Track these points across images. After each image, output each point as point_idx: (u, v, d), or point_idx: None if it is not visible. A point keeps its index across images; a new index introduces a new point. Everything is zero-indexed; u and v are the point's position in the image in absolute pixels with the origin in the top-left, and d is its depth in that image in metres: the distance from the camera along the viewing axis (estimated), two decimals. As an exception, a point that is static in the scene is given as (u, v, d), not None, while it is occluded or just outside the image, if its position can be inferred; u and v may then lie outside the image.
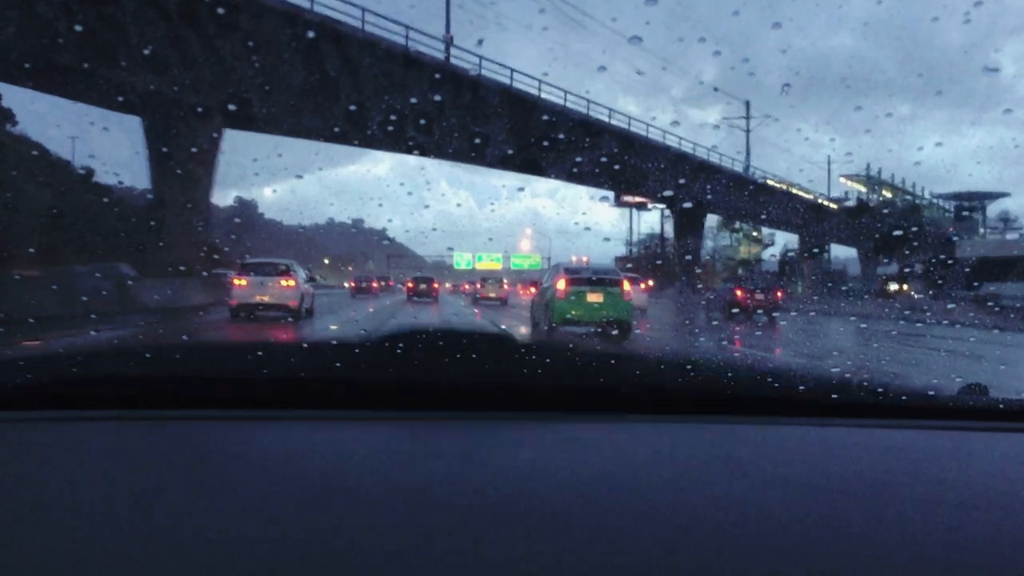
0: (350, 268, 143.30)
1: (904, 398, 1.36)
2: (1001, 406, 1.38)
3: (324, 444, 1.03)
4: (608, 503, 0.82)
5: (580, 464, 0.96)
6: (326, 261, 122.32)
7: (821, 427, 1.24)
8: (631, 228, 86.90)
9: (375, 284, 43.62)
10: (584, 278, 15.13)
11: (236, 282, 18.24)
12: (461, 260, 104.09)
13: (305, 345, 1.50)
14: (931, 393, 1.42)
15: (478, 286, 35.76)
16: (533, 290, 23.63)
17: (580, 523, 0.76)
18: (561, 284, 14.76)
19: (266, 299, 17.73)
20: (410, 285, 36.14)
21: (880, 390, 1.38)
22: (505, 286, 35.50)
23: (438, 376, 1.22)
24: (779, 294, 26.17)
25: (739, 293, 24.82)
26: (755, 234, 75.25)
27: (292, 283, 18.20)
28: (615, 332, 14.44)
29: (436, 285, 37.73)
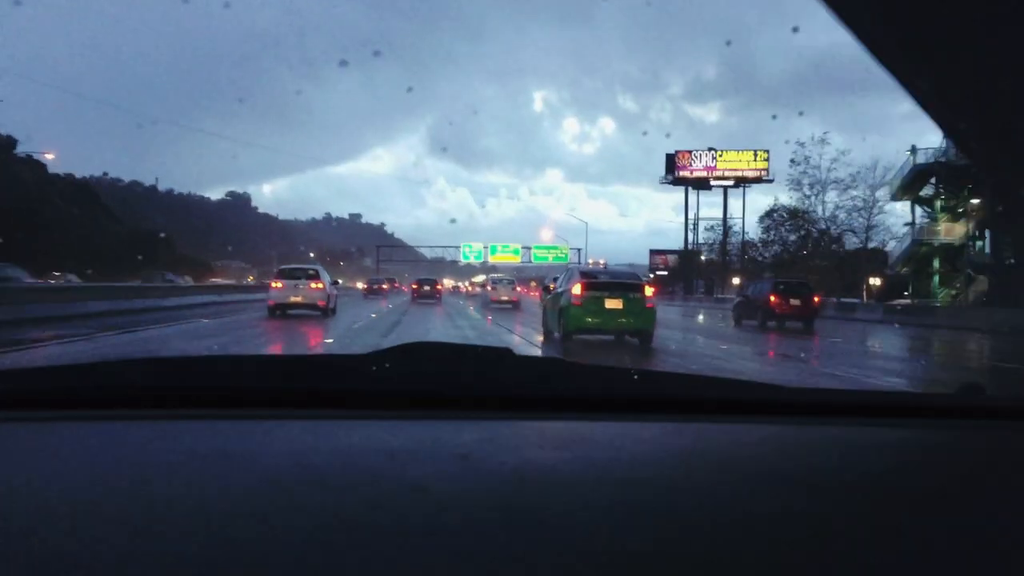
0: (340, 263, 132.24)
1: (902, 398, 1.41)
2: (998, 405, 1.40)
3: (324, 444, 1.04)
4: (608, 503, 0.82)
5: (580, 464, 0.97)
6: (311, 255, 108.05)
7: (821, 427, 1.24)
8: (687, 211, 69.51)
9: (384, 286, 50.27)
10: (602, 282, 14.04)
11: (274, 285, 22.03)
12: (470, 252, 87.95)
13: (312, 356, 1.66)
14: (929, 393, 1.34)
15: (488, 288, 35.65)
16: (529, 288, 33.30)
17: (580, 523, 0.76)
18: (577, 289, 13.66)
19: (299, 300, 21.49)
20: (415, 287, 39.78)
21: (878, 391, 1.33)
22: (518, 288, 34.70)
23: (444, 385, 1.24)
24: (816, 299, 23.57)
25: (773, 298, 22.73)
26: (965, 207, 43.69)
27: (321, 286, 21.85)
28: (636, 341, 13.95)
29: (440, 287, 41.38)
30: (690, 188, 67.78)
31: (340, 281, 31.05)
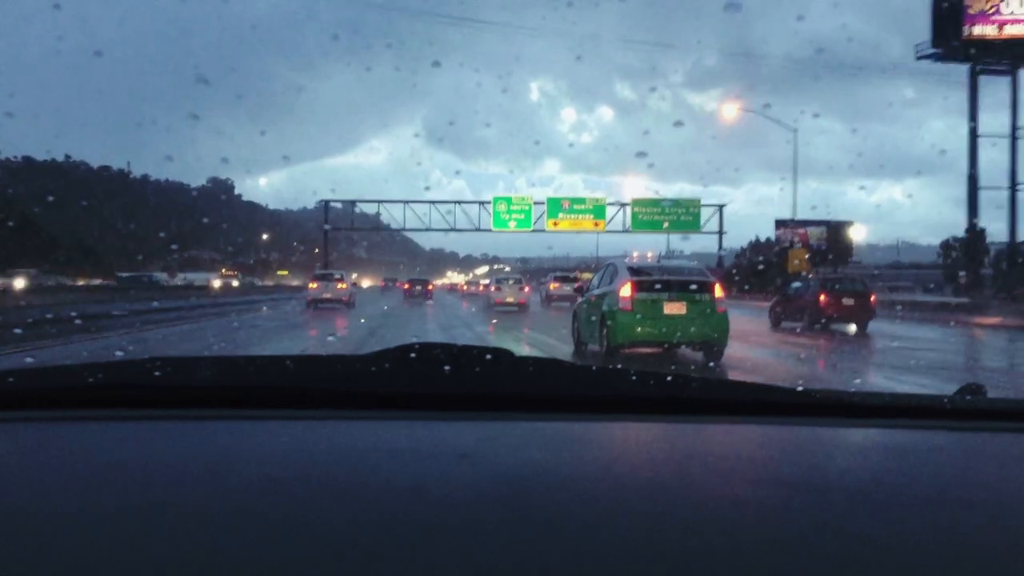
0: (316, 250, 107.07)
1: (902, 399, 1.41)
2: (998, 406, 1.41)
3: (324, 444, 1.05)
4: (608, 503, 0.83)
5: (580, 464, 0.98)
6: (264, 237, 76.95)
7: (821, 427, 1.25)
8: (975, 107, 34.76)
9: (401, 284, 55.63)
10: (658, 280, 11.40)
11: (311, 285, 31.27)
12: (507, 215, 47.46)
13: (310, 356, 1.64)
14: (929, 393, 1.46)
15: (493, 288, 33.76)
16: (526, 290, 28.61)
17: (580, 523, 0.77)
18: (626, 290, 11.07)
19: (329, 296, 30.43)
20: (406, 287, 43.07)
21: (878, 392, 1.43)
22: (526, 289, 32.53)
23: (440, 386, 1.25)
24: (873, 299, 20.99)
25: (823, 297, 20.10)
26: None
27: (345, 285, 31.14)
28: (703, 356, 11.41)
29: (431, 287, 44.53)
30: (978, 66, 33.23)
31: (355, 284, 38.14)
